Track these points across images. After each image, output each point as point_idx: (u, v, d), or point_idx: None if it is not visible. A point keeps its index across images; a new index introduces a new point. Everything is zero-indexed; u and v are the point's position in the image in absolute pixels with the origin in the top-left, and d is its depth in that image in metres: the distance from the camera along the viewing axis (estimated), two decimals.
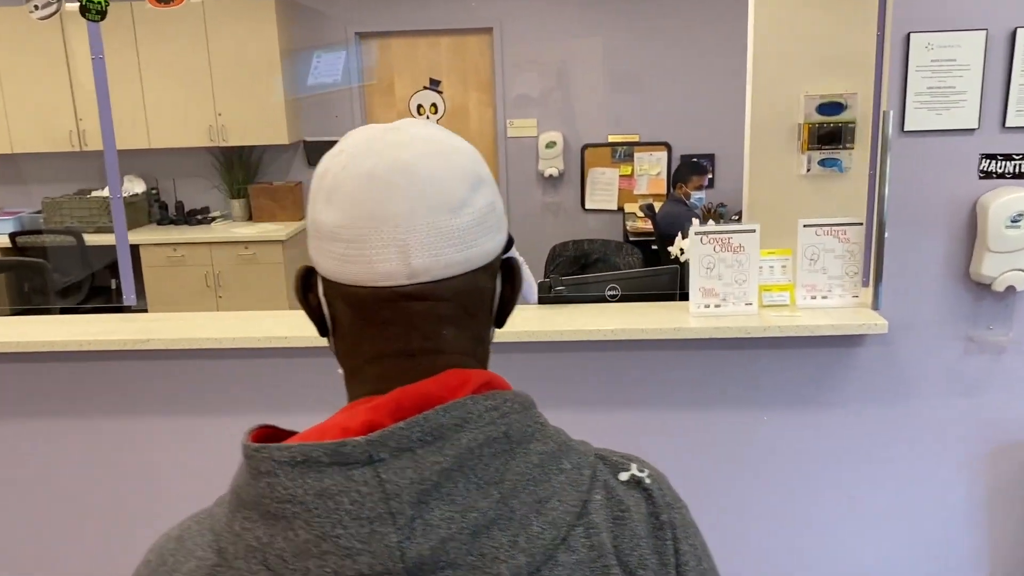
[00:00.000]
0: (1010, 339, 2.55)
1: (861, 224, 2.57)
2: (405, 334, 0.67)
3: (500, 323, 0.75)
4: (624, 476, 0.71)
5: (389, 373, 0.68)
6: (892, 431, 2.63)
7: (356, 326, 0.68)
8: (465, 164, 0.69)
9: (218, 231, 5.60)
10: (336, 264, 0.67)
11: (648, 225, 5.38)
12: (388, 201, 0.65)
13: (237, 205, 5.82)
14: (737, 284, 2.57)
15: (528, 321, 2.58)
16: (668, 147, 5.66)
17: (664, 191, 5.68)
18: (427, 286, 0.66)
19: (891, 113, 2.42)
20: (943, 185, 2.48)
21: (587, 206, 5.79)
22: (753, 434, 2.63)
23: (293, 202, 5.74)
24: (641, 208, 5.42)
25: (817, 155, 3.83)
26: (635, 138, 5.66)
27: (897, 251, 2.51)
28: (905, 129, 2.44)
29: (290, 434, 0.69)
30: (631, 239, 5.29)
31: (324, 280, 0.70)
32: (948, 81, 2.41)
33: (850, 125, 3.78)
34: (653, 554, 0.68)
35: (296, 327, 2.56)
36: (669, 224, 4.82)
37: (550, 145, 5.59)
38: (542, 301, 2.79)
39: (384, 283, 0.66)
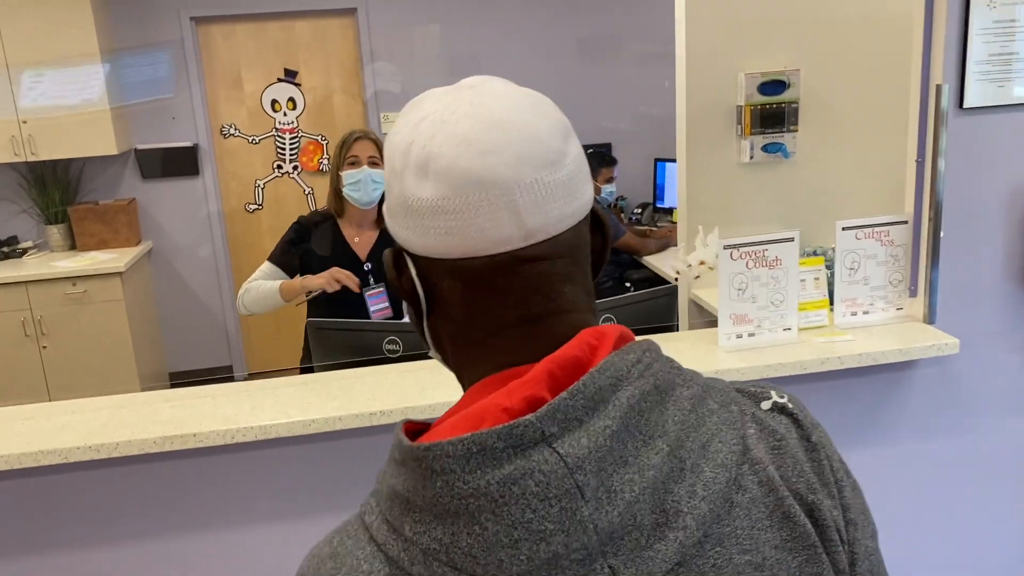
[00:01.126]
0: None
1: (907, 223, 2.14)
2: (526, 299, 0.64)
3: (595, 275, 0.71)
4: (766, 404, 0.70)
5: (516, 343, 0.65)
6: (951, 464, 2.23)
7: (469, 300, 0.65)
8: (553, 113, 0.68)
9: (34, 266, 4.56)
10: (442, 239, 0.63)
11: None
12: (492, 164, 0.62)
13: (56, 232, 4.78)
14: (773, 306, 2.08)
15: None
16: None
17: None
18: (543, 245, 0.64)
19: (947, 87, 1.99)
20: (1003, 171, 2.09)
21: None
22: None
23: (128, 224, 4.78)
24: None
25: (760, 140, 3.40)
26: None
27: (950, 253, 2.10)
28: (964, 106, 2.02)
29: (427, 425, 0.65)
30: None
31: (422, 259, 0.66)
32: (1011, 47, 2.00)
33: (793, 105, 3.38)
34: (816, 477, 0.67)
35: (203, 415, 1.83)
36: None
37: None
38: None
39: (500, 249, 0.63)
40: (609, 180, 4.43)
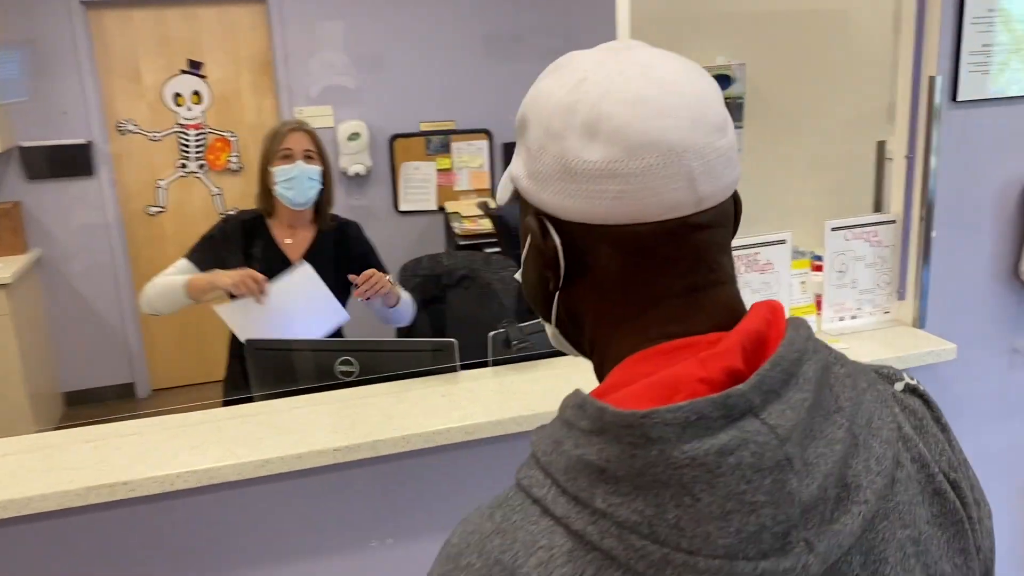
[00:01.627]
0: None
1: (894, 222, 2.03)
2: (691, 268, 0.63)
3: None
4: (899, 385, 0.70)
5: (679, 314, 0.63)
6: None
7: (629, 269, 0.63)
8: (711, 78, 0.65)
9: None
10: (609, 204, 0.61)
11: (479, 226, 4.64)
12: (669, 126, 0.60)
13: None
14: None
15: (508, 398, 1.76)
16: (489, 135, 4.94)
17: (488, 185, 4.96)
18: (709, 213, 0.63)
19: (940, 79, 1.89)
20: (992, 167, 2.00)
21: (401, 208, 4.91)
22: None
23: (12, 230, 4.31)
24: (479, 206, 4.66)
25: None
26: (451, 125, 4.86)
27: (937, 253, 2.00)
28: (958, 99, 1.92)
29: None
30: (461, 244, 4.53)
31: (577, 226, 0.63)
32: (1003, 37, 1.92)
33: (738, 100, 3.28)
34: (953, 455, 0.69)
35: (133, 457, 1.56)
36: (519, 227, 4.12)
37: (353, 137, 4.64)
38: (498, 363, 1.97)
39: (670, 215, 0.61)
40: None
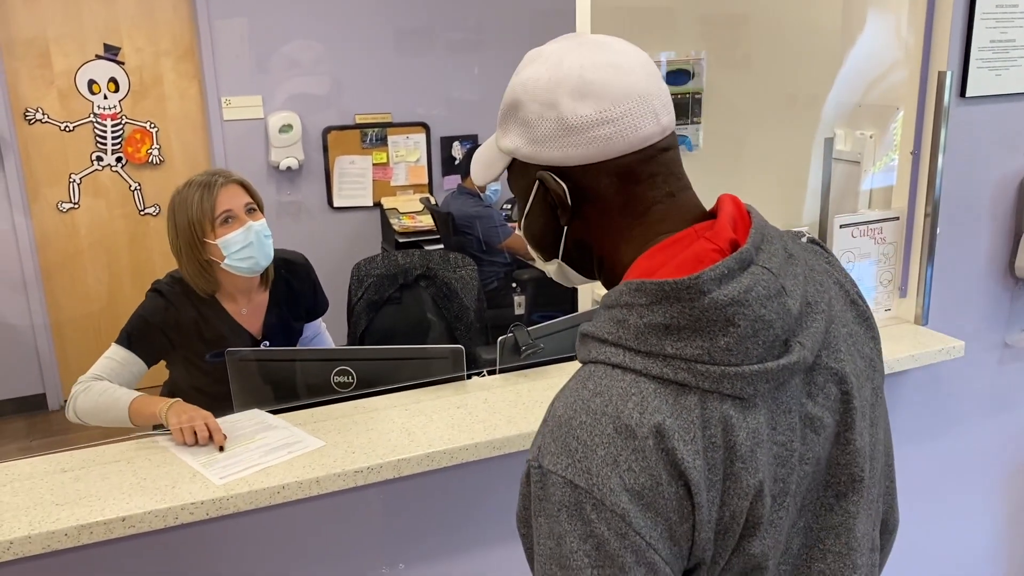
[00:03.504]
0: None
1: (898, 219, 2.02)
2: (665, 180, 0.82)
3: None
4: (805, 239, 0.93)
5: (664, 216, 0.82)
6: (933, 464, 2.15)
7: (623, 192, 0.82)
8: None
9: None
10: (603, 145, 0.80)
11: (418, 222, 4.48)
12: (636, 80, 0.80)
13: None
14: None
15: (531, 408, 1.64)
16: (426, 128, 4.77)
17: (426, 180, 4.80)
18: (669, 138, 0.83)
19: (951, 74, 1.88)
20: (992, 163, 2.01)
21: (336, 204, 4.69)
22: None
23: None
24: (421, 201, 4.50)
25: None
26: (387, 117, 4.67)
27: (941, 250, 2.00)
28: (966, 95, 1.91)
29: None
30: (401, 241, 4.37)
31: (577, 169, 0.82)
32: (1010, 33, 1.92)
33: (697, 96, 3.25)
34: (850, 279, 0.94)
35: (124, 488, 1.38)
36: (467, 224, 3.99)
37: (285, 129, 4.40)
38: (505, 370, 1.85)
39: (647, 144, 0.81)
40: (496, 178, 4.12)
